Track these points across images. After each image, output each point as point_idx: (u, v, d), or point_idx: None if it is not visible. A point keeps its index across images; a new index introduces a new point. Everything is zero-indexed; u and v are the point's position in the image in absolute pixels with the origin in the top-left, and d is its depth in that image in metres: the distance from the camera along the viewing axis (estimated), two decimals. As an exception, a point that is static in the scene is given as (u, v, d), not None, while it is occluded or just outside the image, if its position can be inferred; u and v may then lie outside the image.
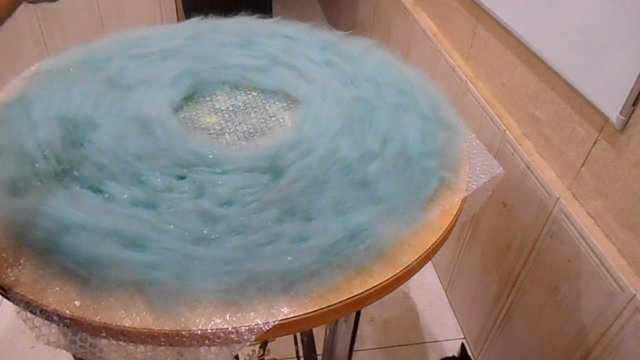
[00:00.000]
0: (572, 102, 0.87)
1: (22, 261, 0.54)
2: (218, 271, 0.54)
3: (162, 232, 0.57)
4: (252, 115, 0.82)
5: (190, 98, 0.85)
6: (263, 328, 0.51)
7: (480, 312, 1.22)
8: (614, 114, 0.75)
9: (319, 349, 1.11)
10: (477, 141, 0.81)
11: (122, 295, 0.52)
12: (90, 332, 0.51)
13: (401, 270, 0.58)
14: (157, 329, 0.50)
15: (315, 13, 2.99)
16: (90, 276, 0.53)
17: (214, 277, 0.53)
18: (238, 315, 0.51)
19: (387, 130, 0.74)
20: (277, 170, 0.66)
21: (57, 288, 0.52)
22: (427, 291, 1.45)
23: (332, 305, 0.53)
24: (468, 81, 1.20)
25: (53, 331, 0.53)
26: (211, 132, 0.78)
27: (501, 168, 0.76)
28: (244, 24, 1.02)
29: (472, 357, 1.16)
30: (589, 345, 0.83)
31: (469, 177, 0.72)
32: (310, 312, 0.53)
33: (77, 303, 0.51)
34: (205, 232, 0.58)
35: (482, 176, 0.73)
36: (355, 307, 0.56)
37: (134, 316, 0.50)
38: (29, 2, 0.57)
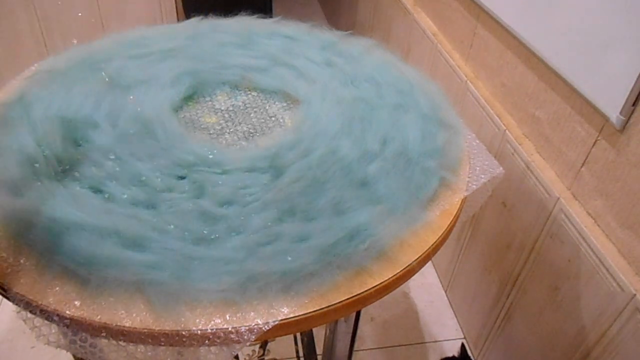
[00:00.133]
0: (572, 102, 0.87)
1: (22, 261, 0.54)
2: (218, 271, 0.54)
3: (162, 232, 0.57)
4: (252, 115, 0.82)
5: (190, 98, 0.85)
6: (263, 328, 0.51)
7: (480, 312, 1.22)
8: (614, 114, 0.75)
9: (319, 349, 1.11)
10: (477, 141, 0.81)
11: (122, 295, 0.52)
12: (90, 332, 0.51)
13: (401, 270, 0.58)
14: (157, 329, 0.50)
15: (315, 13, 2.99)
16: (90, 276, 0.53)
17: (214, 277, 0.53)
18: (238, 315, 0.51)
19: (387, 130, 0.74)
20: (277, 170, 0.66)
21: (57, 288, 0.52)
22: (427, 291, 1.45)
23: (332, 305, 0.53)
24: (468, 81, 1.20)
25: (53, 331, 0.53)
26: (211, 132, 0.78)
27: (501, 168, 0.76)
28: (244, 24, 1.02)
29: (472, 357, 1.16)
30: (589, 345, 0.83)
31: (469, 177, 0.72)
32: (310, 312, 0.53)
33: (77, 303, 0.51)
34: (205, 232, 0.58)
35: (482, 176, 0.73)
36: (355, 307, 0.56)
37: (134, 316, 0.50)
38: None
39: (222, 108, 0.83)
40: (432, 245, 0.61)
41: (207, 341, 0.50)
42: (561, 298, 0.90)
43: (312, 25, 1.02)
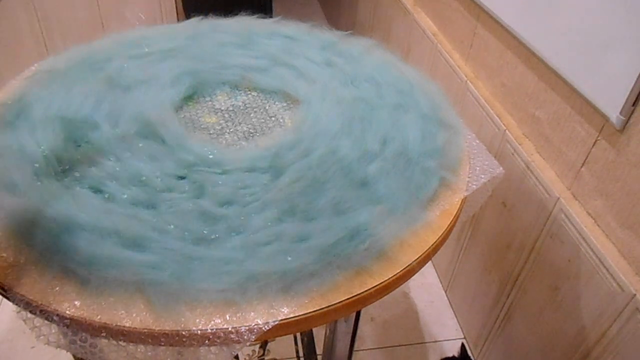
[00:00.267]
0: (572, 102, 0.87)
1: (22, 261, 0.54)
2: (218, 271, 0.54)
3: (162, 232, 0.57)
4: (252, 115, 0.82)
5: (190, 98, 0.85)
6: (263, 328, 0.51)
7: (480, 312, 1.22)
8: (614, 114, 0.75)
9: (319, 349, 1.11)
10: (477, 141, 0.81)
11: (122, 295, 0.52)
12: (90, 332, 0.51)
13: (401, 270, 0.58)
14: (157, 329, 0.50)
15: (315, 13, 2.99)
16: (90, 276, 0.53)
17: (214, 277, 0.53)
18: (238, 315, 0.51)
19: (387, 130, 0.74)
20: (277, 170, 0.66)
21: (57, 288, 0.52)
22: (427, 291, 1.45)
23: (332, 305, 0.53)
24: (468, 81, 1.20)
25: (53, 331, 0.53)
26: (211, 132, 0.78)
27: (501, 168, 0.76)
28: (244, 24, 1.02)
29: (472, 357, 1.16)
30: (589, 345, 0.83)
31: (469, 177, 0.72)
32: (310, 312, 0.53)
33: (77, 303, 0.51)
34: (205, 232, 0.58)
35: (482, 176, 0.73)
36: (355, 307, 0.56)
37: (134, 316, 0.50)
38: None
39: (222, 108, 0.83)
40: (432, 245, 0.61)
41: (207, 341, 0.50)
42: (561, 298, 0.90)
43: (312, 25, 1.02)
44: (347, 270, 0.56)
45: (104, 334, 0.50)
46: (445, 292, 1.44)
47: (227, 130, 0.78)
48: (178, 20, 2.09)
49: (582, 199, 0.86)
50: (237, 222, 0.59)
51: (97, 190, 0.62)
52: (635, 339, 0.74)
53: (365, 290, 0.55)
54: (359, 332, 1.05)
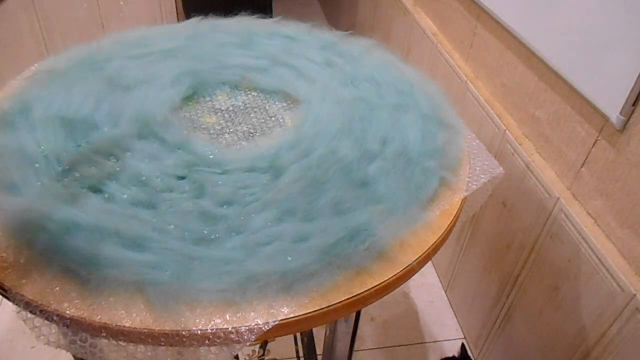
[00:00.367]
0: (572, 102, 0.87)
1: (22, 261, 0.54)
2: (218, 271, 0.54)
3: (162, 232, 0.57)
4: (252, 115, 0.82)
5: (190, 98, 0.85)
6: (263, 328, 0.51)
7: (480, 312, 1.22)
8: (614, 114, 0.75)
9: (319, 349, 1.11)
10: (477, 141, 0.81)
11: (122, 295, 0.52)
12: (90, 332, 0.51)
13: (401, 270, 0.58)
14: (157, 329, 0.50)
15: (315, 13, 2.99)
16: (90, 276, 0.53)
17: (214, 277, 0.53)
18: (238, 315, 0.51)
19: (387, 130, 0.74)
20: (277, 170, 0.66)
21: (57, 288, 0.52)
22: (427, 291, 1.45)
23: (332, 305, 0.53)
24: (468, 81, 1.20)
25: (53, 331, 0.53)
26: (211, 132, 0.78)
27: (501, 168, 0.76)
28: (244, 24, 1.02)
29: (472, 357, 1.16)
30: (589, 345, 0.83)
31: (469, 177, 0.72)
32: (310, 312, 0.53)
33: (77, 303, 0.51)
34: (205, 232, 0.58)
35: (482, 176, 0.73)
36: (355, 307, 0.56)
37: (134, 316, 0.50)
38: None
39: (222, 108, 0.83)
40: (432, 245, 0.61)
41: (207, 341, 0.50)
42: (561, 298, 0.90)
43: (312, 25, 1.02)
44: (347, 270, 0.56)
45: (104, 334, 0.50)
46: (445, 292, 1.44)
47: (227, 130, 0.78)
48: (178, 20, 2.09)
49: (582, 199, 0.86)
50: (237, 222, 0.59)
51: (97, 190, 0.62)
52: (635, 339, 0.74)
53: (365, 290, 0.55)
54: (359, 332, 1.05)
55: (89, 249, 0.54)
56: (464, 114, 1.20)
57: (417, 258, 0.59)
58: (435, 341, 1.32)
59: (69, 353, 0.55)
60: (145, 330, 0.50)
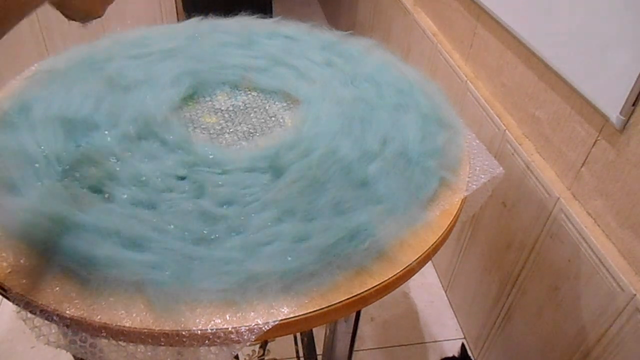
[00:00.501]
0: (572, 102, 0.87)
1: (22, 261, 0.54)
2: (218, 271, 0.54)
3: (162, 232, 0.57)
4: (252, 115, 0.82)
5: (190, 98, 0.85)
6: (263, 328, 0.51)
7: (480, 312, 1.22)
8: (614, 114, 0.75)
9: (319, 349, 1.11)
10: (477, 141, 0.81)
11: (122, 295, 0.52)
12: (90, 332, 0.51)
13: (401, 270, 0.58)
14: (157, 329, 0.50)
15: (315, 13, 2.99)
16: (90, 276, 0.52)
17: (214, 277, 0.53)
18: (238, 315, 0.51)
19: (387, 130, 0.74)
20: (277, 170, 0.66)
21: (57, 288, 0.52)
22: (427, 291, 1.45)
23: (332, 305, 0.53)
24: (468, 81, 1.20)
25: (53, 331, 0.53)
26: (211, 132, 0.78)
27: (501, 168, 0.76)
28: (244, 24, 1.02)
29: (472, 357, 1.16)
30: (589, 345, 0.83)
31: (469, 177, 0.72)
32: (310, 312, 0.53)
33: (77, 303, 0.51)
34: (205, 232, 0.58)
35: (482, 176, 0.73)
36: (355, 307, 0.56)
37: (134, 316, 0.50)
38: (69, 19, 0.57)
39: (222, 108, 0.83)
40: (432, 245, 0.61)
41: (207, 341, 0.50)
42: (561, 298, 0.90)
43: (312, 25, 1.02)
44: (347, 270, 0.56)
45: (104, 334, 0.50)
46: (445, 292, 1.44)
47: (227, 130, 0.78)
48: (178, 20, 2.09)
49: (582, 199, 0.86)
50: (237, 222, 0.59)
51: (97, 190, 0.62)
52: (635, 339, 0.74)
53: (365, 290, 0.55)
54: (359, 332, 1.05)
55: (89, 249, 0.54)
56: (464, 114, 1.20)
57: (417, 258, 0.59)
58: (435, 341, 1.32)
59: (69, 353, 0.55)
60: (145, 330, 0.50)
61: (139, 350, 0.52)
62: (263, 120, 0.81)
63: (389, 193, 0.64)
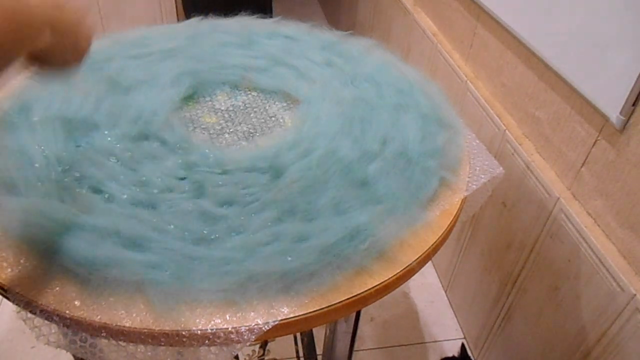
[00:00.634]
0: (572, 102, 0.87)
1: (22, 261, 0.54)
2: (218, 271, 0.54)
3: (162, 232, 0.57)
4: (252, 115, 0.82)
5: (190, 98, 0.85)
6: (263, 328, 0.51)
7: (480, 312, 1.22)
8: (614, 114, 0.75)
9: (319, 349, 1.11)
10: (477, 141, 0.81)
11: (122, 295, 0.52)
12: (90, 332, 0.51)
13: (401, 270, 0.58)
14: (157, 329, 0.50)
15: (315, 13, 2.99)
16: (90, 276, 0.52)
17: (214, 277, 0.53)
18: (238, 315, 0.51)
19: (387, 130, 0.74)
20: (277, 170, 0.66)
21: (57, 288, 0.52)
22: (427, 291, 1.45)
23: (332, 305, 0.53)
24: (468, 81, 1.20)
25: (53, 331, 0.53)
26: (211, 132, 0.78)
27: (501, 168, 0.76)
28: (244, 24, 1.02)
29: (472, 357, 1.16)
30: (589, 345, 0.83)
31: (469, 177, 0.72)
32: (310, 312, 0.53)
33: (77, 303, 0.51)
34: (205, 232, 0.58)
35: (482, 176, 0.73)
36: (355, 307, 0.56)
37: (134, 316, 0.50)
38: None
39: (222, 108, 0.83)
40: (432, 245, 0.61)
41: (207, 341, 0.50)
42: (561, 298, 0.90)
43: (312, 25, 1.02)
44: (347, 270, 0.56)
45: (104, 334, 0.50)
46: (445, 292, 1.44)
47: (227, 130, 0.78)
48: (178, 20, 2.09)
49: (582, 199, 0.86)
50: (237, 222, 0.59)
51: (97, 190, 0.62)
52: (635, 339, 0.74)
53: (365, 290, 0.55)
54: (359, 332, 1.05)
55: (89, 249, 0.54)
56: (464, 114, 1.20)
57: (417, 258, 0.59)
58: (435, 341, 1.32)
59: (69, 353, 0.55)
60: (145, 330, 0.50)
61: (139, 350, 0.52)
62: (263, 120, 0.81)
63: (389, 193, 0.64)
